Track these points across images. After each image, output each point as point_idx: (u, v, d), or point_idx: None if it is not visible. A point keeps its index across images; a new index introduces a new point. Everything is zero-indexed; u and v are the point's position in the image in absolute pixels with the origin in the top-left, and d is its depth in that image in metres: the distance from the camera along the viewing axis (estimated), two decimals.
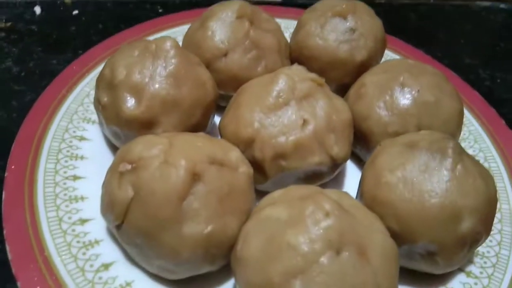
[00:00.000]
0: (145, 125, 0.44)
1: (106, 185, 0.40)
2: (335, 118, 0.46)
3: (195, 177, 0.37)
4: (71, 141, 0.49)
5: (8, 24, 0.71)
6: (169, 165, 0.37)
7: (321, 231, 0.33)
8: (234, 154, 0.41)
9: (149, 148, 0.39)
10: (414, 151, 0.40)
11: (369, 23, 0.56)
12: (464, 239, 0.38)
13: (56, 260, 0.39)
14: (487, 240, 0.46)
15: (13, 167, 0.45)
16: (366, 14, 0.57)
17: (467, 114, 0.59)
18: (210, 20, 0.54)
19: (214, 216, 0.37)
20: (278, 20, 0.62)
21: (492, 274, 0.43)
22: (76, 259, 0.40)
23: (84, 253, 0.40)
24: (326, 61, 0.55)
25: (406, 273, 0.42)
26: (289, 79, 0.45)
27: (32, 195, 0.43)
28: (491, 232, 0.46)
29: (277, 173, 0.45)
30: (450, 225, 0.38)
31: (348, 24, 0.55)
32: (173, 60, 0.45)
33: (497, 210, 0.47)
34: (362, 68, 0.55)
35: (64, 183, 0.45)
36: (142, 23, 0.66)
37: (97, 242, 0.42)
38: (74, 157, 0.48)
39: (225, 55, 0.53)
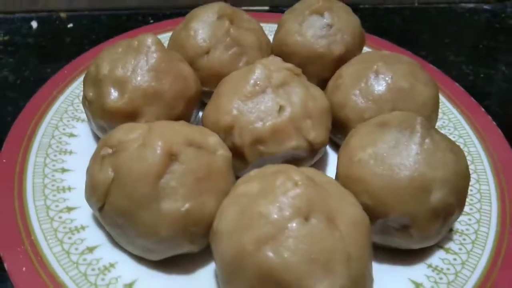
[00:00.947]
0: (128, 117, 0.46)
1: (89, 170, 0.41)
2: (311, 104, 0.47)
3: (171, 157, 0.38)
4: (60, 137, 0.51)
5: (6, 37, 0.75)
6: (146, 146, 0.38)
7: (290, 199, 0.34)
8: (212, 139, 0.43)
9: (128, 133, 0.41)
10: (385, 129, 0.42)
11: (345, 19, 0.58)
12: (436, 210, 0.39)
13: (43, 244, 0.41)
14: (466, 219, 0.47)
15: (4, 160, 0.47)
16: (343, 11, 0.59)
17: (446, 103, 0.61)
18: (192, 21, 0.56)
19: (191, 195, 0.38)
20: (264, 25, 0.64)
21: (471, 250, 0.44)
22: (61, 242, 0.41)
23: (70, 238, 0.42)
24: (305, 56, 0.57)
25: (386, 252, 0.43)
26: (265, 68, 0.47)
27: (22, 185, 0.45)
28: (471, 211, 0.47)
29: (256, 158, 0.46)
30: (420, 197, 0.39)
31: (325, 20, 0.58)
32: (154, 55, 0.48)
33: (477, 191, 0.49)
34: (341, 62, 0.57)
35: (53, 175, 0.47)
36: (132, 30, 0.69)
37: (82, 227, 0.43)
38: (63, 151, 0.50)
39: (207, 52, 0.55)
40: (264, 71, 0.47)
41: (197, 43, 0.55)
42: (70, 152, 0.50)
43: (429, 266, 0.43)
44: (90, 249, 0.41)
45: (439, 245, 0.44)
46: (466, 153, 0.52)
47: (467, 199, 0.47)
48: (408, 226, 0.40)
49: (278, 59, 0.49)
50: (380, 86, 0.49)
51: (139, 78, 0.47)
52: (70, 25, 0.80)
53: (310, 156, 0.49)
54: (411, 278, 0.42)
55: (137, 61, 0.47)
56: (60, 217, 0.43)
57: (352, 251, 0.34)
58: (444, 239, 0.44)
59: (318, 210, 0.34)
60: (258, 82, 0.47)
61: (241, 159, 0.47)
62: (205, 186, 0.39)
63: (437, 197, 0.39)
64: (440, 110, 0.58)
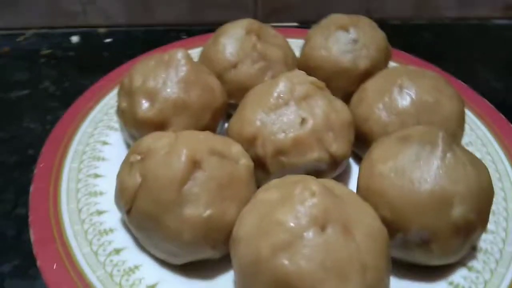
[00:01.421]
0: (158, 126, 0.49)
1: (119, 175, 0.44)
2: (333, 117, 0.48)
3: (195, 164, 0.40)
4: (94, 145, 0.54)
5: (48, 51, 0.80)
6: (172, 154, 0.40)
7: (307, 208, 0.35)
8: (235, 148, 0.44)
9: (156, 141, 0.43)
10: (406, 143, 0.42)
11: (371, 34, 0.59)
12: (457, 226, 0.39)
13: (73, 244, 0.43)
14: (491, 237, 0.46)
15: (42, 165, 0.50)
16: (368, 26, 0.60)
17: (474, 119, 0.60)
18: (221, 36, 0.59)
19: (213, 201, 0.40)
20: (293, 40, 0.66)
21: (495, 269, 0.43)
22: (90, 244, 0.44)
23: (98, 239, 0.44)
24: (330, 71, 0.58)
25: (407, 268, 0.43)
26: (288, 81, 0.49)
27: (57, 189, 0.48)
28: (496, 230, 0.46)
29: (278, 169, 0.47)
30: (441, 211, 0.38)
31: (350, 35, 0.59)
32: (183, 68, 0.50)
33: (503, 209, 0.48)
34: (366, 76, 0.57)
35: (86, 180, 0.50)
36: (166, 45, 0.73)
37: (111, 230, 0.45)
38: (96, 158, 0.53)
39: (235, 66, 0.57)
40: (287, 84, 0.49)
41: (225, 57, 0.57)
42: (103, 159, 0.53)
43: (451, 283, 0.42)
44: (117, 251, 0.43)
45: (461, 263, 0.43)
46: (493, 170, 0.52)
47: (493, 217, 0.47)
48: (428, 241, 0.39)
49: (302, 73, 0.50)
50: (403, 100, 0.50)
51: (168, 90, 0.49)
52: (108, 40, 0.84)
53: (332, 169, 0.49)
54: None
55: (167, 74, 0.50)
56: (90, 220, 0.46)
57: (368, 261, 0.34)
58: (467, 257, 0.44)
59: (335, 220, 0.35)
60: (281, 95, 0.48)
61: (263, 170, 0.48)
62: (226, 193, 0.41)
63: (458, 211, 0.38)
64: (467, 126, 0.58)
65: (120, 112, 0.52)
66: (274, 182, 0.40)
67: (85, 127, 0.57)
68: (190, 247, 0.40)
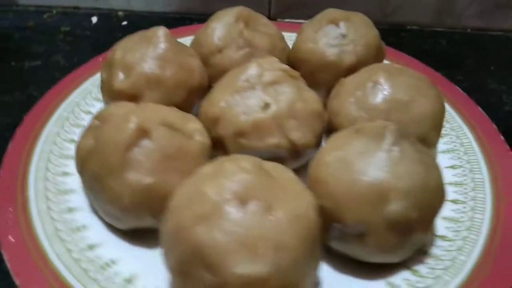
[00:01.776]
0: (131, 99, 0.50)
1: (78, 140, 0.46)
2: (299, 106, 0.48)
3: (143, 132, 0.41)
4: (62, 143, 0.53)
5: (68, 28, 0.85)
6: (124, 121, 0.42)
7: (232, 183, 0.35)
8: (193, 125, 0.45)
9: (118, 109, 0.45)
10: (358, 135, 0.41)
11: (362, 31, 0.58)
12: (393, 222, 0.37)
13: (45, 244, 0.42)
14: (446, 244, 0.44)
15: (6, 166, 0.49)
16: (360, 23, 0.59)
17: (464, 128, 0.57)
18: (212, 22, 0.60)
19: (156, 171, 0.41)
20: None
21: (439, 276, 0.41)
22: (63, 241, 0.42)
23: (70, 236, 0.43)
24: (316, 64, 0.58)
25: (349, 264, 0.42)
26: (259, 67, 0.49)
27: (24, 189, 0.47)
28: (454, 237, 0.44)
29: (237, 150, 0.47)
30: (377, 205, 0.37)
31: (339, 30, 0.58)
32: (162, 45, 0.52)
33: (468, 218, 0.46)
34: (351, 72, 0.56)
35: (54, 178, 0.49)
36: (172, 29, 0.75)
37: (84, 227, 0.45)
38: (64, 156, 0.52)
39: (220, 51, 0.58)
40: (257, 69, 0.49)
41: (213, 41, 0.58)
42: (72, 157, 0.50)
43: (389, 283, 0.41)
44: (91, 247, 0.43)
45: (406, 265, 0.42)
46: (472, 183, 0.49)
47: (454, 225, 0.45)
48: (364, 234, 0.38)
49: (275, 60, 0.51)
50: (375, 96, 0.48)
51: (144, 65, 0.51)
52: (125, 22, 0.88)
53: (294, 157, 0.49)
54: None
55: (146, 50, 0.52)
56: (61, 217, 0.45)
57: (285, 241, 0.34)
58: (414, 260, 0.42)
59: (257, 197, 0.35)
60: (249, 79, 0.48)
61: (223, 151, 0.48)
62: (172, 165, 0.42)
63: (394, 207, 0.37)
64: (454, 134, 0.56)
65: (101, 84, 0.54)
66: (218, 159, 0.41)
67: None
68: (130, 212, 0.41)
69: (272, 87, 0.48)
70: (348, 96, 0.50)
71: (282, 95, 0.48)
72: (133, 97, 0.51)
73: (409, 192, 0.37)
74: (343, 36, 0.58)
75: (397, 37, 0.86)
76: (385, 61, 0.65)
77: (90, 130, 0.44)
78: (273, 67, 0.49)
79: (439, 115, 0.49)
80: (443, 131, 0.56)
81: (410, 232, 0.38)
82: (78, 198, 0.47)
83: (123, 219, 0.42)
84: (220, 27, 0.59)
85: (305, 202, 0.37)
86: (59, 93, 0.60)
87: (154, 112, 0.44)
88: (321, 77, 0.58)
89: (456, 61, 0.80)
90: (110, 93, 0.52)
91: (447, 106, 0.60)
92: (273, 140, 0.47)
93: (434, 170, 0.39)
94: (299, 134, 0.47)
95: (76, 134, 0.54)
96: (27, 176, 0.49)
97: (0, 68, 0.75)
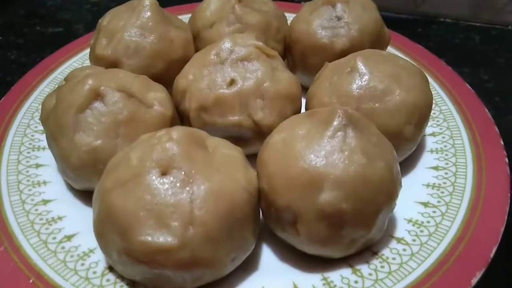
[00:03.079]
0: (110, 65, 0.51)
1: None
2: (267, 85, 0.46)
3: (97, 95, 0.42)
4: (33, 135, 0.52)
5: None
6: (82, 82, 0.43)
7: (155, 151, 0.35)
8: (154, 95, 0.45)
9: (83, 71, 0.45)
10: (309, 118, 0.39)
11: (359, 14, 0.54)
12: (323, 212, 0.35)
13: (20, 237, 0.41)
14: (400, 247, 0.40)
15: None
16: (360, 6, 0.55)
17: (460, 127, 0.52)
18: None
19: (105, 135, 0.41)
20: None
21: (380, 279, 0.38)
22: (39, 233, 0.41)
23: (47, 228, 0.42)
24: (307, 45, 0.55)
25: (289, 253, 0.40)
26: (232, 42, 0.48)
27: None
28: (411, 242, 0.40)
29: (200, 125, 0.47)
30: (309, 192, 0.35)
31: (334, 12, 0.55)
32: (144, 14, 0.52)
33: (434, 225, 0.42)
34: (343, 57, 0.53)
35: (27, 171, 0.48)
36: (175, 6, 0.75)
37: (60, 218, 0.43)
38: (36, 148, 0.50)
39: (211, 26, 0.57)
40: (229, 44, 0.47)
41: (205, 16, 0.58)
42: (44, 148, 0.50)
43: (325, 279, 0.38)
44: (68, 237, 0.42)
45: (348, 263, 0.39)
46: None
47: (417, 229, 0.42)
48: (295, 221, 0.36)
49: (252, 36, 0.49)
50: (349, 82, 0.45)
51: (124, 32, 0.51)
52: None
53: (258, 138, 0.47)
54: (296, 283, 0.38)
55: (129, 18, 0.52)
56: (36, 210, 0.44)
57: (199, 217, 0.33)
58: (359, 259, 0.39)
59: (180, 169, 0.34)
60: (220, 53, 0.47)
61: (188, 124, 0.48)
62: (123, 131, 0.42)
63: (326, 196, 0.34)
64: (448, 133, 0.51)
65: (90, 47, 0.56)
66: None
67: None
68: (79, 172, 0.42)
69: (242, 64, 0.47)
70: (325, 81, 0.47)
71: (251, 73, 0.46)
72: (113, 64, 0.51)
73: (343, 183, 0.34)
74: (338, 18, 0.54)
75: (426, 28, 0.80)
76: (390, 49, 0.61)
77: (56, 90, 0.46)
78: (246, 43, 0.48)
79: (419, 109, 0.45)
80: (437, 129, 0.52)
81: (343, 225, 0.35)
82: (53, 189, 0.46)
83: (75, 179, 0.43)
84: (215, 2, 0.58)
85: (234, 180, 0.35)
86: (25, 88, 0.58)
87: (115, 78, 0.44)
88: (312, 60, 0.56)
89: (486, 59, 0.73)
90: (93, 58, 0.53)
91: (448, 101, 0.55)
92: (234, 118, 0.45)
93: (381, 164, 0.36)
94: (263, 115, 0.45)
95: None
96: None
97: (26, 32, 0.80)
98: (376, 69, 0.45)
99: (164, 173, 0.34)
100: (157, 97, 0.45)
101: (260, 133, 0.46)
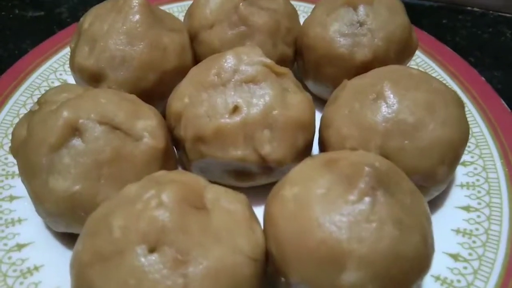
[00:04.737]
0: (93, 77, 0.44)
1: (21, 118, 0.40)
2: (277, 113, 0.39)
3: (74, 131, 0.35)
4: (6, 158, 0.46)
5: None
6: (56, 112, 0.36)
7: (143, 221, 0.28)
8: (143, 123, 0.38)
9: (59, 93, 0.38)
10: (327, 170, 0.32)
11: (385, 18, 0.46)
12: None
13: None
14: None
15: None
16: (385, 8, 0.47)
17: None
18: None
19: (85, 177, 0.35)
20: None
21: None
22: None
23: (21, 283, 0.37)
24: (322, 54, 0.48)
25: None
26: (236, 58, 0.40)
27: None
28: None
29: (197, 157, 0.40)
30: (328, 270, 0.29)
31: (356, 15, 0.47)
32: (131, 17, 0.44)
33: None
34: (364, 70, 0.45)
35: None
36: None
37: (36, 268, 0.38)
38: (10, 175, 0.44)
39: (211, 27, 0.49)
40: (233, 61, 0.40)
41: (204, 14, 0.50)
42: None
43: None
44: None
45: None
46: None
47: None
48: None
49: (258, 50, 0.41)
50: (374, 113, 0.38)
51: (109, 39, 0.43)
52: None
53: (265, 173, 0.41)
54: None
55: (114, 21, 0.44)
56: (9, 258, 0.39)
57: None
58: None
59: (171, 245, 0.28)
60: (221, 73, 0.40)
61: (185, 154, 0.41)
62: (106, 171, 0.35)
63: (348, 278, 0.28)
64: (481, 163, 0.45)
65: (70, 52, 0.48)
66: (149, 176, 0.33)
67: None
68: (55, 218, 0.36)
69: (248, 86, 0.40)
70: (344, 106, 0.40)
71: (257, 98, 0.39)
72: (96, 75, 0.44)
73: (370, 262, 0.28)
74: (360, 24, 0.46)
75: (452, 19, 0.72)
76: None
77: (27, 116, 0.39)
78: (253, 61, 0.40)
79: (455, 146, 0.38)
80: (468, 157, 0.46)
81: None
82: (29, 229, 0.41)
83: (51, 223, 0.38)
84: None
85: (237, 250, 0.29)
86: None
87: (96, 105, 0.37)
88: (327, 70, 0.48)
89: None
90: (73, 67, 0.46)
91: (480, 122, 0.48)
92: (237, 152, 0.39)
93: (416, 237, 0.30)
94: (271, 149, 0.39)
95: None
96: None
97: (3, 16, 0.71)
98: (406, 97, 0.38)
99: (152, 250, 0.28)
100: (147, 127, 0.38)
101: (268, 168, 0.40)
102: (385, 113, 0.38)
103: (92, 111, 0.36)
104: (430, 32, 0.61)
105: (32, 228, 0.40)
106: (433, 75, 0.54)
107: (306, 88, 0.53)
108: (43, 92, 0.51)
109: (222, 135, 0.38)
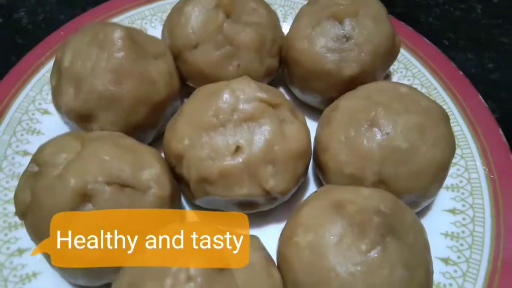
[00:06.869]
0: (82, 118, 0.43)
1: (20, 178, 0.39)
2: (277, 148, 0.40)
3: (84, 198, 0.35)
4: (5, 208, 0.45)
5: None
6: (61, 179, 0.35)
7: None
8: (147, 173, 0.38)
9: (57, 152, 0.38)
10: (337, 215, 0.34)
11: (371, 31, 0.47)
12: None
13: None
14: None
15: None
16: (371, 19, 0.47)
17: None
18: (188, 4, 0.49)
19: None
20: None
21: None
22: None
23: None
24: (309, 69, 0.48)
25: None
26: (233, 96, 0.40)
27: None
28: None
29: (202, 195, 0.41)
30: None
31: (342, 30, 0.47)
32: (116, 54, 0.42)
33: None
34: (353, 84, 0.46)
35: (11, 262, 0.42)
36: None
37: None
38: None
39: (195, 46, 0.48)
40: (230, 100, 0.40)
41: (186, 33, 0.48)
42: None
43: None
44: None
45: None
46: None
47: None
48: None
49: (254, 85, 0.41)
50: (369, 141, 0.40)
51: (96, 79, 0.42)
52: None
53: (269, 203, 0.43)
54: None
55: (98, 58, 0.42)
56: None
57: None
58: None
59: None
60: (220, 113, 0.40)
61: (189, 191, 0.42)
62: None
63: None
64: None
65: (52, 88, 0.46)
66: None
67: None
68: (63, 271, 0.37)
69: (247, 124, 0.40)
70: (340, 132, 0.42)
71: (258, 135, 0.40)
72: (85, 116, 0.43)
73: None
74: (347, 38, 0.46)
75: None
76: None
77: (27, 177, 0.38)
78: (249, 98, 0.40)
79: (445, 164, 0.41)
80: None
81: None
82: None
83: (61, 274, 0.39)
84: (197, 15, 0.48)
85: None
86: None
87: (101, 165, 0.36)
88: (315, 84, 0.49)
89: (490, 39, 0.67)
90: (59, 107, 0.44)
91: (461, 121, 0.51)
92: (243, 190, 0.40)
93: (421, 271, 0.33)
94: (275, 182, 0.40)
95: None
96: None
97: None
98: (398, 123, 0.40)
99: None
100: (151, 176, 0.38)
101: (272, 198, 0.42)
102: (379, 141, 0.40)
103: (98, 173, 0.36)
104: (404, 13, 0.61)
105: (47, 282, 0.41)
106: (413, 71, 0.56)
107: (292, 95, 0.54)
108: (25, 127, 0.50)
109: (226, 176, 0.39)
